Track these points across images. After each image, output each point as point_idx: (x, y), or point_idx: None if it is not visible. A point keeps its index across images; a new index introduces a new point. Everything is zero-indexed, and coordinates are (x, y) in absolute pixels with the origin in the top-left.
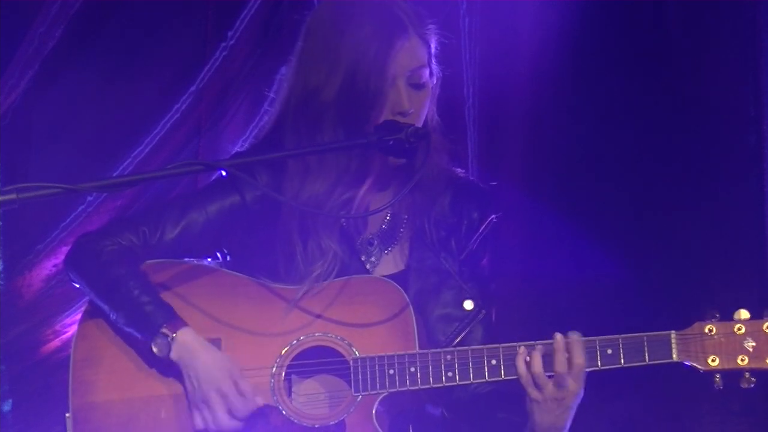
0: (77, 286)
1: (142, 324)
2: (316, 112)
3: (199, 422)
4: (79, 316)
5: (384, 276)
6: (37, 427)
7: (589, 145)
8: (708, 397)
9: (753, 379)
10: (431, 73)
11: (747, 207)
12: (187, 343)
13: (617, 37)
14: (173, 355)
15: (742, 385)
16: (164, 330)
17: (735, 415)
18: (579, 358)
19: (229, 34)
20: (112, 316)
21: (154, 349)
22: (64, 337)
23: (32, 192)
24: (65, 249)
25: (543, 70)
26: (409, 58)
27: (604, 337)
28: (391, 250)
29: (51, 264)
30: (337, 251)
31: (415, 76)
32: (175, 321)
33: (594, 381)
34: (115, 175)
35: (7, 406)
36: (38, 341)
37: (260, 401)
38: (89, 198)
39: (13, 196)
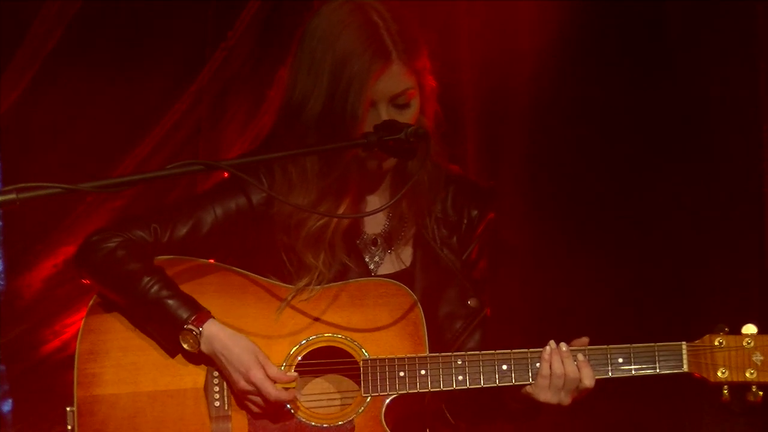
0: (88, 283)
1: (166, 319)
2: (301, 129)
3: (250, 405)
4: (79, 316)
5: (389, 274)
6: (37, 427)
7: (589, 146)
8: (708, 396)
9: (760, 393)
10: (422, 87)
11: (747, 207)
12: (213, 336)
13: (617, 38)
14: (204, 348)
15: (748, 399)
16: (190, 325)
17: (735, 414)
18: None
19: (230, 34)
20: (132, 313)
21: (185, 345)
22: (64, 337)
23: (32, 192)
24: (65, 249)
25: (543, 70)
26: (390, 83)
27: (615, 346)
28: (394, 250)
29: (51, 264)
30: (322, 270)
31: (399, 98)
32: (200, 313)
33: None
34: (115, 175)
35: (7, 406)
36: (38, 341)
37: (294, 374)
38: (89, 198)
39: (13, 196)
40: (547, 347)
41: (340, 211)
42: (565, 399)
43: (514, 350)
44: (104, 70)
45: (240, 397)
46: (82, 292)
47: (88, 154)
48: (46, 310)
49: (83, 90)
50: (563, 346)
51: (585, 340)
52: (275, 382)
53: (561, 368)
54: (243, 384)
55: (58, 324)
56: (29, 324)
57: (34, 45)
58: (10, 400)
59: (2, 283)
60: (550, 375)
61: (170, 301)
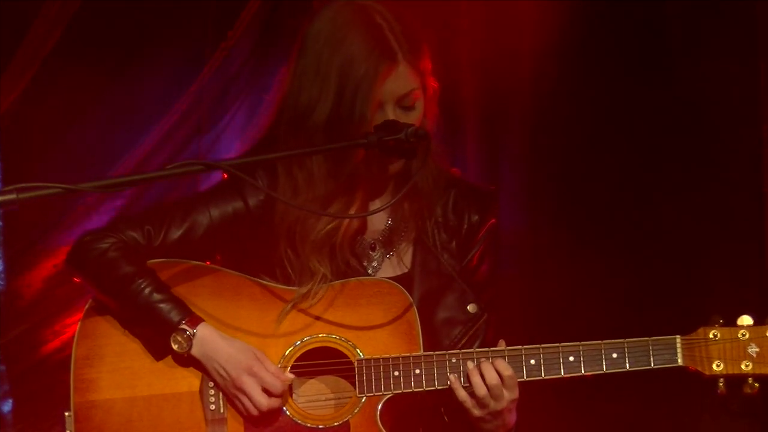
0: (78, 281)
1: (158, 321)
2: (306, 135)
3: (241, 409)
4: (79, 316)
5: (388, 279)
6: (37, 427)
7: (589, 146)
8: (707, 396)
9: (756, 384)
10: (425, 88)
11: (747, 207)
12: (206, 338)
13: (617, 38)
14: (194, 351)
15: (745, 391)
16: (183, 326)
17: (734, 414)
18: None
19: (230, 34)
20: (122, 315)
21: (174, 347)
22: (64, 337)
23: (32, 192)
24: (65, 249)
25: (543, 70)
26: (397, 84)
27: (609, 341)
28: (393, 254)
29: (51, 264)
30: (326, 274)
31: (405, 100)
32: (193, 317)
33: (594, 381)
34: (115, 175)
35: (7, 406)
36: (38, 341)
37: (290, 375)
38: (89, 198)
39: (13, 196)
40: (452, 376)
41: (350, 210)
42: (498, 405)
43: (508, 347)
44: (104, 70)
45: (233, 400)
46: (82, 293)
47: (88, 154)
48: (46, 310)
49: (83, 90)
50: (470, 364)
51: (502, 342)
52: (273, 379)
53: (483, 388)
54: (241, 381)
55: (58, 324)
56: (29, 324)
57: (34, 45)
58: (10, 400)
59: (2, 283)
60: (475, 396)
61: (162, 305)
